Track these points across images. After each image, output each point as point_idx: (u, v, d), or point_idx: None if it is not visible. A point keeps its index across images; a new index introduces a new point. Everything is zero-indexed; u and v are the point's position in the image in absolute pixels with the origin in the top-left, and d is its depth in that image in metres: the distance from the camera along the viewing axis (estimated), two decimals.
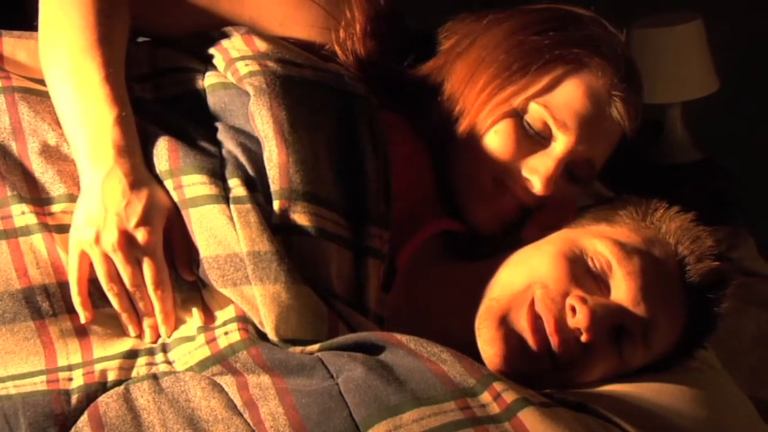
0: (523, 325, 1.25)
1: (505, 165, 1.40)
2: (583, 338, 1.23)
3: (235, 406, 1.13)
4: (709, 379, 1.34)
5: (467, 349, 1.22)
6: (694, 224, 1.34)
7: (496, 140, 1.40)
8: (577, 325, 1.23)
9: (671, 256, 1.31)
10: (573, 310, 1.24)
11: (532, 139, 1.40)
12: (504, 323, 1.26)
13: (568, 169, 1.42)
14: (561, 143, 1.39)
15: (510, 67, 1.39)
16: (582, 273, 1.27)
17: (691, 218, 1.34)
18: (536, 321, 1.25)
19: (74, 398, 1.16)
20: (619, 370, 1.28)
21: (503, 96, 1.39)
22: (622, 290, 1.27)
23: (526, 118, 1.39)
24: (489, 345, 1.26)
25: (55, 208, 1.28)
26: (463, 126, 1.41)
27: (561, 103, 1.39)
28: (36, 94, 1.34)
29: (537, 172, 1.39)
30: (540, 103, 1.39)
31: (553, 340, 1.24)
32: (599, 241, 1.29)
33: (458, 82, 1.42)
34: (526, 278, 1.28)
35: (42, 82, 1.33)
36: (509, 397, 1.09)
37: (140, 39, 1.44)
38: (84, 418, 1.14)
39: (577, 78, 1.39)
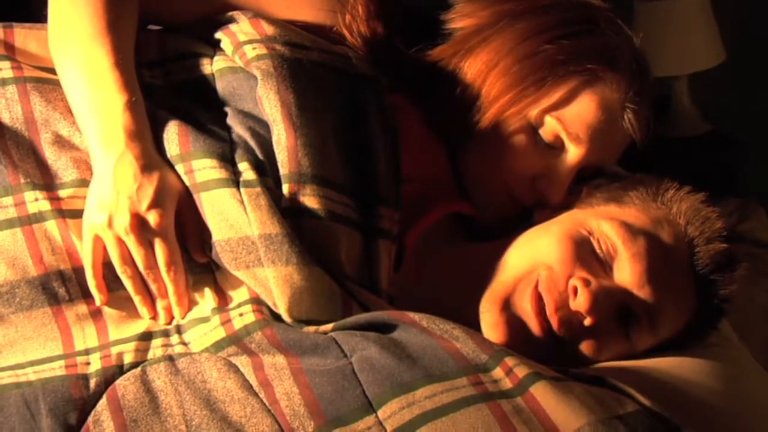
0: (525, 307, 1.25)
1: (517, 176, 1.42)
2: (586, 322, 1.23)
3: (251, 386, 1.13)
4: (726, 353, 1.34)
5: (477, 328, 1.22)
6: (704, 205, 1.32)
7: (510, 153, 1.41)
8: (578, 308, 1.23)
9: (681, 237, 1.30)
10: (575, 292, 1.23)
11: (544, 150, 1.41)
12: (507, 307, 1.25)
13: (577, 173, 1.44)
14: (573, 155, 1.41)
15: (524, 80, 1.40)
16: (588, 254, 1.27)
17: (702, 198, 1.33)
18: (539, 303, 1.24)
19: (92, 382, 1.17)
20: (629, 352, 1.27)
21: (517, 108, 1.40)
22: (627, 272, 1.26)
23: (540, 131, 1.41)
24: (492, 330, 1.25)
25: (68, 192, 1.28)
26: (473, 126, 1.42)
27: (575, 116, 1.40)
28: (48, 83, 1.34)
29: (550, 184, 1.42)
30: (554, 117, 1.40)
31: (553, 321, 1.24)
32: (606, 222, 1.28)
33: (468, 81, 1.43)
34: (531, 259, 1.28)
35: (53, 71, 1.34)
36: (521, 371, 1.09)
37: (151, 27, 1.45)
38: (103, 402, 1.15)
39: (591, 91, 1.40)
